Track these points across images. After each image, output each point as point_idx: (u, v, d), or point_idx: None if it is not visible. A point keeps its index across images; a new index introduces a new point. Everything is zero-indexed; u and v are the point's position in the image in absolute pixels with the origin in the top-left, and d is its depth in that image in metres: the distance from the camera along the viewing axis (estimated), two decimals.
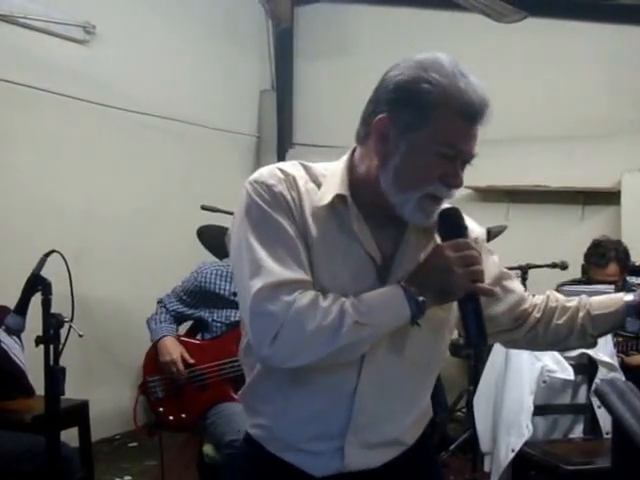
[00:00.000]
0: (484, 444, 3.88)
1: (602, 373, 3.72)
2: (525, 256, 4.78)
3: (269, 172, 1.67)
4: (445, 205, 1.70)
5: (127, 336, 5.53)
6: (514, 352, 3.68)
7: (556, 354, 3.66)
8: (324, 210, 1.65)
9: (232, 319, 3.57)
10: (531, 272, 4.74)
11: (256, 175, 1.68)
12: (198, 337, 3.80)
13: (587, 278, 4.74)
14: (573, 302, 1.90)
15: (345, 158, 1.74)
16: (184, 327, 3.97)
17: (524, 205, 6.11)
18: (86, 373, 5.22)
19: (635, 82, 5.94)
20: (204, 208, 4.38)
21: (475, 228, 1.84)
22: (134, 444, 5.46)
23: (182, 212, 5.80)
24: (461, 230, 1.67)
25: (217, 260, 4.13)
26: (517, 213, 6.06)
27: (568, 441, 3.76)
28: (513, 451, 3.52)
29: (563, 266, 4.76)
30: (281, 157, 7.21)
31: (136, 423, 3.89)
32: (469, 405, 4.57)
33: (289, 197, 1.63)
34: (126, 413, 3.89)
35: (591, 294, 2.92)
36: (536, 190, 6.09)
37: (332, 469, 1.72)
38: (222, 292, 3.62)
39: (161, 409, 3.65)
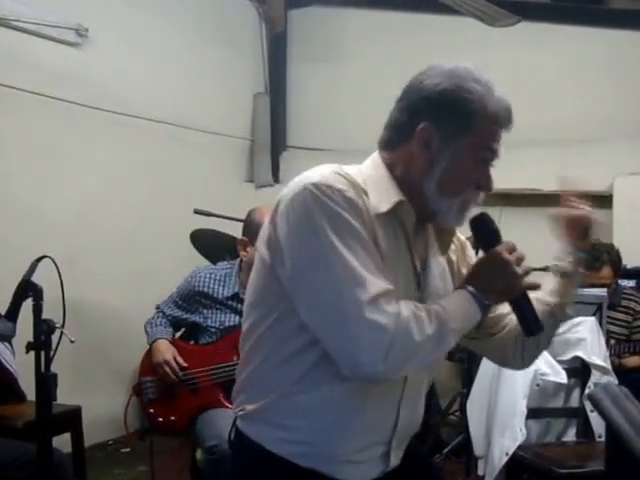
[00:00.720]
0: (478, 448, 3.88)
1: (595, 377, 3.72)
2: None
3: (332, 176, 1.64)
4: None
5: (120, 341, 5.51)
6: None
7: (549, 358, 3.66)
8: (382, 218, 1.66)
9: (226, 324, 3.54)
10: None
11: (317, 178, 1.63)
12: (192, 342, 3.79)
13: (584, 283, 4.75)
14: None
15: (378, 163, 1.75)
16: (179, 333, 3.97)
17: (517, 209, 6.11)
18: (79, 379, 5.19)
19: (627, 87, 5.97)
20: (197, 212, 4.38)
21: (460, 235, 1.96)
22: (127, 449, 5.44)
23: (176, 216, 5.77)
24: (499, 233, 1.78)
25: (211, 264, 4.12)
26: (510, 216, 6.05)
27: (561, 444, 3.76)
28: (507, 454, 3.52)
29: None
30: (275, 160, 7.21)
31: (126, 427, 3.88)
32: (462, 408, 4.56)
33: (360, 203, 1.63)
34: (119, 419, 3.87)
35: (584, 297, 2.95)
36: (529, 193, 6.10)
37: (375, 474, 1.79)
38: (217, 296, 3.60)
39: (152, 410, 3.63)
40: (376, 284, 1.55)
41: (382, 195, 1.68)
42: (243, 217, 4.45)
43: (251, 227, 3.47)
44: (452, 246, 1.91)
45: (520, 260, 1.72)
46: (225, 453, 3.03)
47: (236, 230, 4.51)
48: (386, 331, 1.53)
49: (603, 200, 5.90)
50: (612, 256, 4.62)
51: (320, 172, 1.65)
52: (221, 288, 3.60)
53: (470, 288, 1.70)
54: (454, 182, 1.69)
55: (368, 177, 1.71)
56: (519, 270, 1.71)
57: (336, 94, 6.95)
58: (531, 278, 1.74)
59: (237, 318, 3.48)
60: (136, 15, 5.94)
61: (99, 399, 5.36)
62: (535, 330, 1.78)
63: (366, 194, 1.66)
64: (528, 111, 6.03)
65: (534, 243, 5.87)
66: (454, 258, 1.92)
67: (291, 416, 1.72)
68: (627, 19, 5.90)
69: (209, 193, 6.09)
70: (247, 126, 7.21)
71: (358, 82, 6.85)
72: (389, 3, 6.12)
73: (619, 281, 4.79)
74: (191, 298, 3.67)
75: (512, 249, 1.74)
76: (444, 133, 1.66)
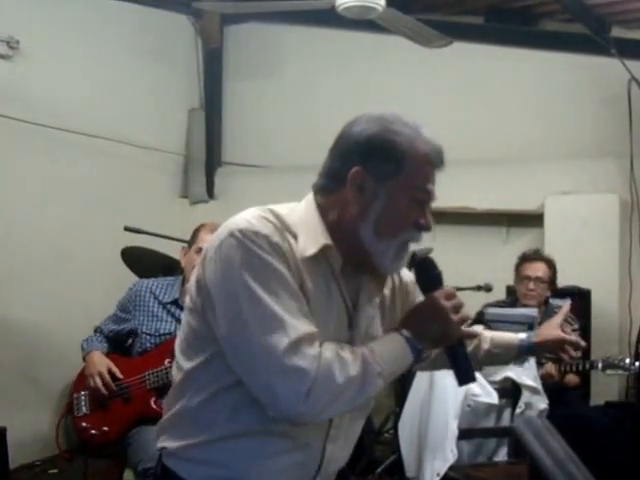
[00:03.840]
0: (409, 468, 3.87)
1: (526, 397, 3.77)
2: (450, 278, 4.76)
3: (258, 221, 1.66)
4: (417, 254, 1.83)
5: (48, 360, 5.39)
6: (439, 376, 3.70)
7: (481, 379, 3.68)
8: (310, 261, 1.67)
9: (161, 331, 3.52)
10: None
11: (244, 224, 1.65)
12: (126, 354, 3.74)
13: (511, 300, 4.81)
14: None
15: (311, 206, 1.77)
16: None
17: (450, 227, 6.16)
18: (4, 398, 5.07)
19: (558, 108, 6.06)
20: (127, 229, 4.32)
21: (405, 273, 1.97)
22: (54, 470, 5.28)
23: (108, 232, 5.64)
24: (440, 277, 1.80)
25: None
26: (443, 235, 6.10)
27: (493, 465, 3.79)
28: (438, 475, 3.54)
29: (487, 288, 4.80)
30: (210, 176, 7.16)
31: (59, 445, 3.80)
32: (396, 427, 4.56)
33: (285, 248, 1.64)
34: (46, 438, 3.80)
35: (514, 317, 3.02)
36: (462, 212, 6.15)
37: None
38: (154, 303, 3.57)
39: (84, 424, 3.56)
40: (297, 328, 1.57)
41: (310, 238, 1.70)
42: (177, 232, 4.42)
43: (193, 239, 3.56)
44: (389, 284, 1.92)
45: (458, 307, 1.74)
46: None
47: (169, 246, 4.46)
48: (306, 374, 1.55)
49: (534, 219, 6.00)
50: (550, 259, 4.73)
51: (247, 217, 1.68)
52: (162, 292, 3.61)
53: (404, 332, 1.72)
54: (390, 224, 1.71)
55: (299, 220, 1.73)
56: (455, 317, 1.73)
57: (272, 111, 6.93)
58: (467, 328, 1.79)
59: (173, 325, 3.50)
60: (69, 27, 5.83)
61: (26, 419, 5.23)
62: (468, 380, 1.79)
63: (295, 237, 1.68)
64: (461, 130, 6.15)
65: (467, 261, 6.00)
66: (389, 295, 1.93)
67: (218, 453, 1.72)
68: (558, 41, 5.99)
69: (143, 209, 6.01)
70: (182, 142, 7.13)
71: (294, 99, 6.85)
72: (326, 21, 6.12)
73: (550, 300, 4.85)
74: (131, 304, 3.63)
75: (451, 295, 1.75)
76: (376, 176, 1.69)
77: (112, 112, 6.17)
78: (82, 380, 3.62)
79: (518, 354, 2.13)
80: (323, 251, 1.70)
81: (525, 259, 4.77)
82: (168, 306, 3.54)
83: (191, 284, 1.75)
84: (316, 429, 1.73)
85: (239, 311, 1.59)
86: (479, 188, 6.13)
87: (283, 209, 1.75)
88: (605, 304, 5.57)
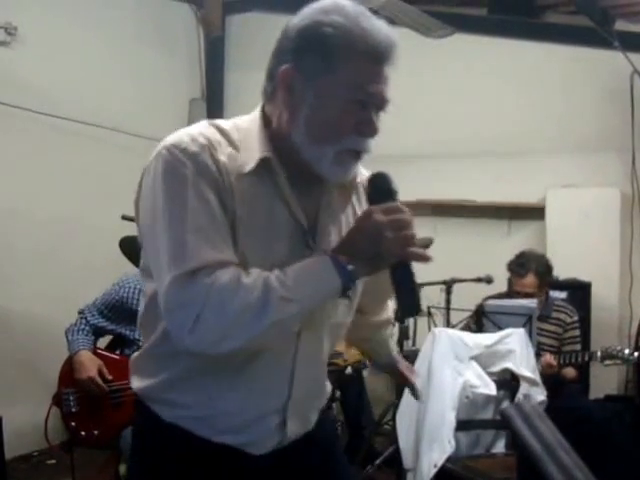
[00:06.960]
0: (407, 460, 3.85)
1: (524, 388, 3.74)
2: (451, 270, 4.79)
3: (189, 137, 1.55)
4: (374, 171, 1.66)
5: (45, 350, 5.34)
6: (437, 367, 3.68)
7: (479, 370, 3.66)
8: (249, 177, 1.56)
9: None
10: (456, 286, 4.75)
11: (175, 140, 1.56)
12: (117, 352, 3.68)
13: (510, 291, 4.77)
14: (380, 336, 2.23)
15: (256, 116, 1.66)
16: (105, 340, 3.86)
17: (452, 219, 6.15)
18: (2, 388, 5.05)
19: (561, 101, 6.02)
20: (125, 218, 4.29)
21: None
22: (52, 461, 5.27)
23: (105, 221, 5.59)
24: (392, 194, 1.58)
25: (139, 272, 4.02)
26: (444, 227, 6.08)
27: (490, 456, 3.76)
28: (435, 466, 3.50)
29: (488, 280, 4.78)
30: None
31: (47, 438, 3.77)
32: (395, 419, 4.55)
33: (214, 167, 1.53)
34: (44, 430, 3.77)
35: (514, 308, 2.98)
36: (464, 205, 6.13)
37: (274, 444, 1.70)
38: None
39: (73, 423, 3.54)
40: (197, 257, 1.46)
41: (249, 152, 1.58)
42: None
43: None
44: (357, 204, 1.77)
45: (399, 224, 1.51)
46: None
47: None
48: (193, 305, 1.43)
49: (536, 212, 5.98)
50: (540, 266, 4.62)
51: (182, 133, 1.59)
52: None
53: (332, 251, 1.56)
54: (323, 127, 1.54)
55: (243, 132, 1.63)
56: (390, 234, 1.49)
57: None
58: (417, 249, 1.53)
59: None
60: (67, 14, 5.77)
61: (24, 409, 5.18)
62: (409, 311, 1.57)
63: (238, 151, 1.58)
64: (462, 123, 6.12)
65: (468, 253, 5.97)
66: (358, 210, 1.76)
67: (178, 393, 1.67)
68: (562, 34, 5.95)
69: None
70: None
71: None
72: None
73: (550, 293, 4.82)
74: (118, 309, 3.55)
75: (391, 210, 1.52)
76: (305, 74, 1.54)
77: (112, 101, 6.13)
78: (69, 374, 3.57)
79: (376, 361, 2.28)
80: (263, 165, 1.57)
81: (512, 272, 4.68)
82: None
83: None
84: (279, 358, 1.64)
85: (151, 232, 1.54)
86: (481, 181, 6.12)
87: (228, 123, 1.65)
88: (605, 296, 5.57)
